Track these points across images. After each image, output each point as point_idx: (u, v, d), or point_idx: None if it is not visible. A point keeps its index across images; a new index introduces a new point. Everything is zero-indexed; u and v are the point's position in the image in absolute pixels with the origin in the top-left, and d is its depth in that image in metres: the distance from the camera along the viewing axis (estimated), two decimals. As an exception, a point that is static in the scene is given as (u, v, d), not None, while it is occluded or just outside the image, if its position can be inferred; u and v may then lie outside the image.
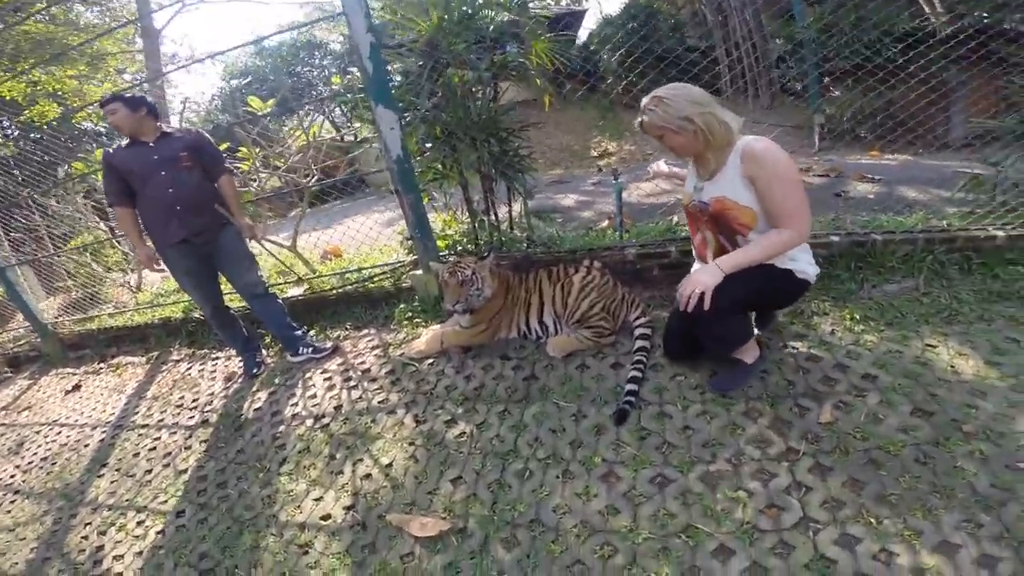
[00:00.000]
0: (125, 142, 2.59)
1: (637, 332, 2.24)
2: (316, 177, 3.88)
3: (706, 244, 1.86)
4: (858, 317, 2.17)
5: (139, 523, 2.22)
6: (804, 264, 1.79)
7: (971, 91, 4.63)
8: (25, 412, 3.74)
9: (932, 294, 2.27)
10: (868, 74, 4.55)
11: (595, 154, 6.60)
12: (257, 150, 3.85)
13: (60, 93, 6.74)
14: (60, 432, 3.25)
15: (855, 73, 5.07)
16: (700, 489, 1.58)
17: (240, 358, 3.09)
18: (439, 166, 3.04)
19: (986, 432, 1.55)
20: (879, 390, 1.78)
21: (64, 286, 5.58)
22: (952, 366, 1.83)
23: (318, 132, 4.11)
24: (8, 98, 6.64)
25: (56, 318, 4.74)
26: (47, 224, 5.38)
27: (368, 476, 2.01)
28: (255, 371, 2.99)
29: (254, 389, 2.87)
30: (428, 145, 3.09)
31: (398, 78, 3.16)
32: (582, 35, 9.38)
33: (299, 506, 1.99)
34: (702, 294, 1.62)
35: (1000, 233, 2.42)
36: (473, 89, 2.91)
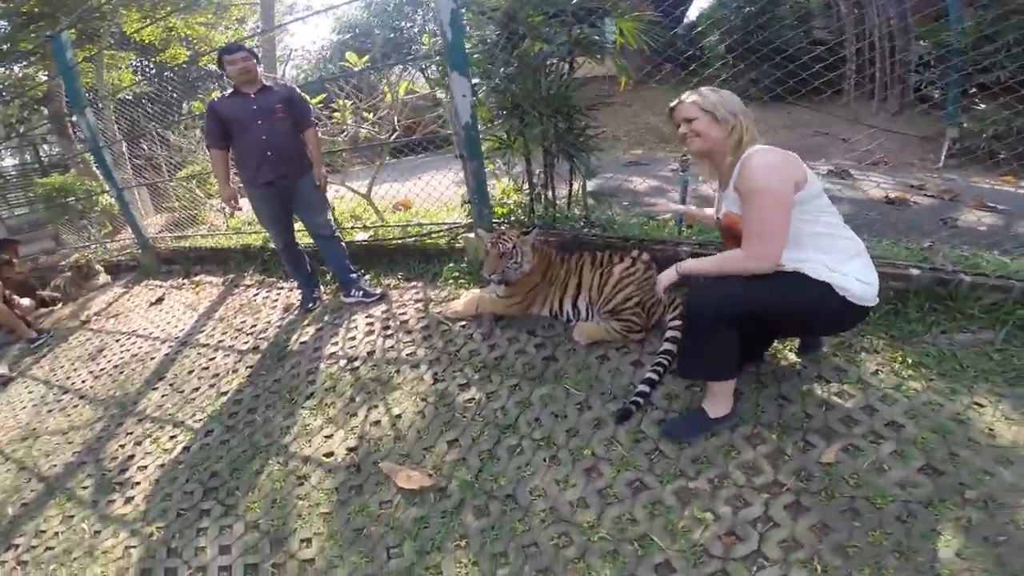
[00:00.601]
0: (228, 92, 2.97)
1: (668, 334, 2.24)
2: (396, 134, 4.10)
3: None
4: (911, 362, 2.04)
5: (171, 437, 2.60)
6: (852, 284, 1.60)
7: None
8: (112, 319, 4.40)
9: (1007, 351, 2.07)
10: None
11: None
12: (350, 103, 4.12)
13: (190, 38, 7.58)
14: (135, 342, 3.80)
15: (1008, 86, 4.45)
16: (671, 503, 1.64)
17: (300, 291, 3.44)
18: (504, 135, 3.12)
19: (987, 501, 1.47)
20: (898, 440, 1.71)
21: (171, 206, 6.38)
22: (991, 429, 1.71)
23: (408, 89, 4.30)
24: (147, 42, 7.60)
25: (160, 234, 5.45)
26: (166, 154, 6.13)
27: (377, 423, 2.25)
28: (310, 305, 3.34)
29: (305, 323, 3.21)
30: (500, 112, 3.16)
31: (474, 45, 3.22)
32: (691, 14, 8.83)
33: (310, 440, 2.27)
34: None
35: (1119, 295, 2.13)
36: (547, 63, 2.93)
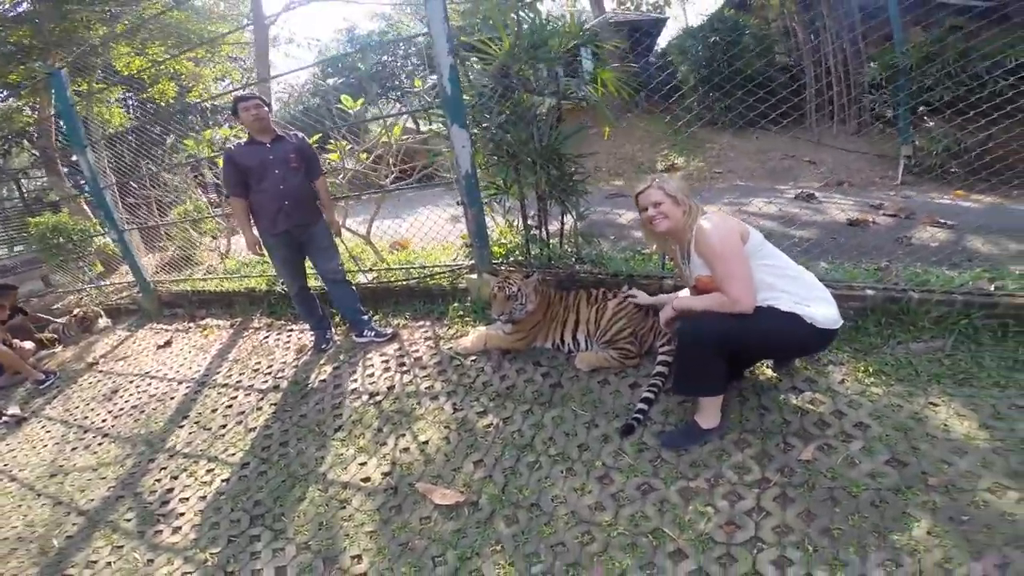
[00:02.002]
0: (244, 140, 3.20)
1: (659, 358, 2.57)
2: (393, 176, 4.44)
3: None
4: (872, 371, 2.38)
5: (208, 471, 2.81)
6: (816, 311, 1.93)
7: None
8: (121, 362, 4.57)
9: (956, 357, 2.42)
10: (970, 106, 4.48)
11: (661, 168, 6.79)
12: (344, 143, 4.44)
13: (179, 73, 7.86)
14: (151, 383, 3.99)
15: (954, 105, 4.97)
16: (676, 500, 1.93)
17: (312, 333, 3.69)
18: (500, 182, 3.46)
19: (948, 487, 1.78)
20: (865, 439, 2.03)
21: (162, 246, 6.56)
22: (945, 425, 2.04)
23: (400, 133, 4.65)
24: (136, 76, 7.84)
25: (156, 276, 5.61)
26: (158, 193, 6.34)
27: (406, 449, 2.50)
28: (324, 346, 3.58)
29: (321, 362, 3.46)
30: (494, 158, 3.50)
31: (470, 96, 3.56)
32: (661, 43, 9.45)
33: (345, 468, 2.51)
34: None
35: (1048, 302, 2.50)
36: (538, 114, 3.30)
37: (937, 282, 2.78)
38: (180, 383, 3.84)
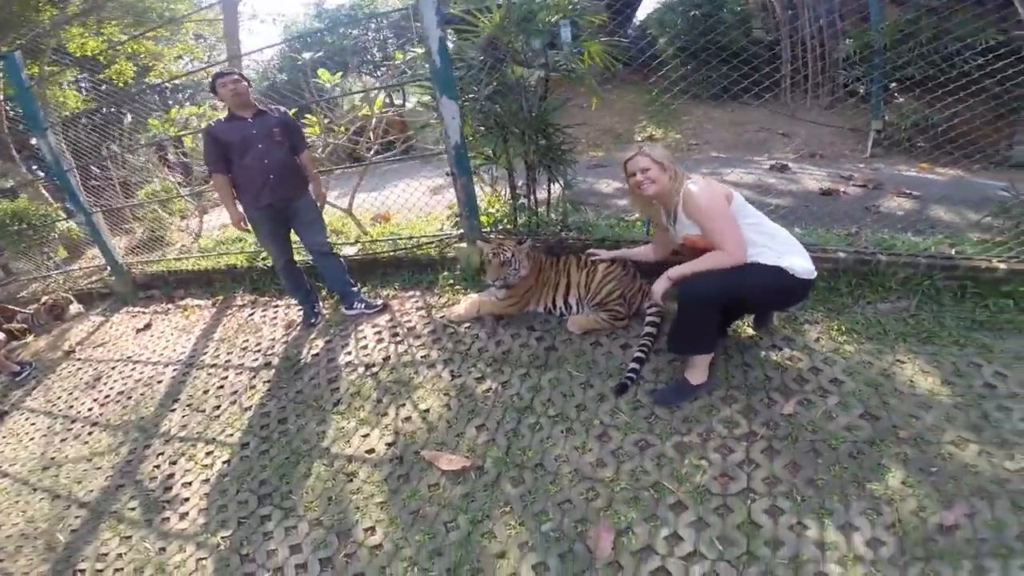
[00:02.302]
0: (225, 116, 3.16)
1: (647, 319, 2.69)
2: (375, 150, 4.41)
3: None
4: (844, 329, 2.57)
5: (208, 453, 2.82)
6: (795, 262, 2.09)
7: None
8: (100, 348, 4.47)
9: (920, 316, 2.62)
10: (939, 85, 4.67)
11: (639, 139, 6.88)
12: (321, 117, 4.38)
13: (137, 53, 7.50)
14: (135, 368, 3.93)
15: (924, 82, 5.17)
16: (672, 455, 2.07)
17: (300, 308, 3.70)
18: (489, 152, 3.49)
19: (917, 439, 1.97)
20: (840, 394, 2.21)
21: (129, 228, 6.37)
22: (912, 381, 2.23)
23: (381, 106, 4.60)
24: (91, 56, 7.45)
25: (128, 258, 5.46)
26: (124, 173, 6.13)
27: (408, 419, 2.58)
28: (313, 320, 3.60)
29: (312, 337, 3.48)
30: (481, 128, 3.52)
31: (458, 68, 3.55)
32: (640, 15, 9.44)
33: (348, 441, 2.57)
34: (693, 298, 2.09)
35: (1002, 265, 2.70)
36: (527, 85, 3.32)
37: (903, 247, 2.98)
38: (166, 366, 3.80)
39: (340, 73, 4.54)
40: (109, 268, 5.27)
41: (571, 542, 1.88)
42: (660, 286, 2.22)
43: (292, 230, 3.45)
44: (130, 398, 3.59)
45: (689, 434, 2.14)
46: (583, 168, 5.83)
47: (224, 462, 2.73)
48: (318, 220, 3.44)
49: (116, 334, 4.64)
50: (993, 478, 1.81)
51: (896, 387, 2.22)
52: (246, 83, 3.14)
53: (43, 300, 5.47)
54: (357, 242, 4.28)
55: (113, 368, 4.05)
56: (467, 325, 3.08)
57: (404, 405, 2.67)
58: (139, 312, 4.87)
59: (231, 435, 2.90)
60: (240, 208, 3.25)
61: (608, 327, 2.78)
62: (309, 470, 2.49)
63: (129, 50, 7.58)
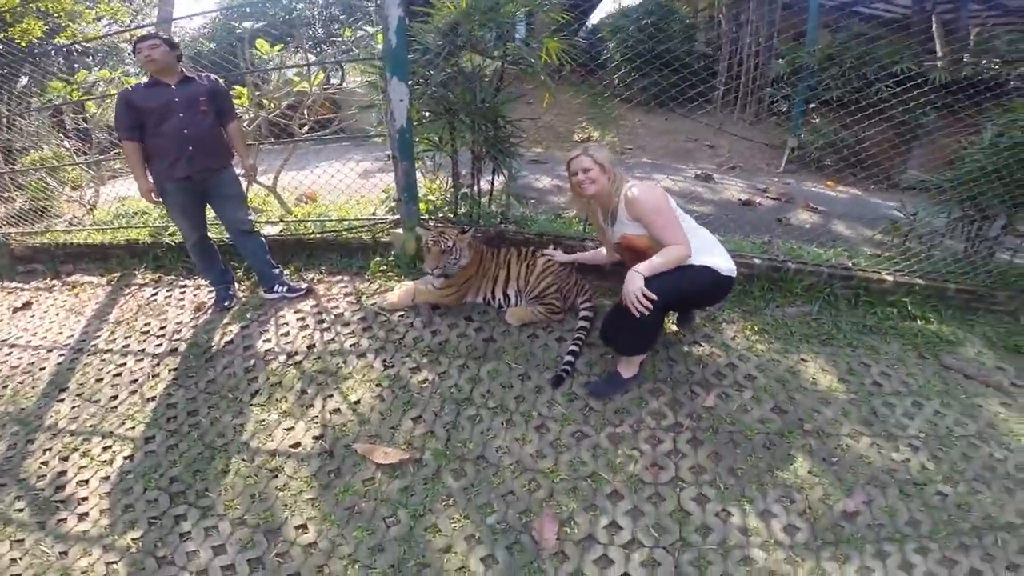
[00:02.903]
0: (145, 81, 2.94)
1: (581, 313, 2.79)
2: (308, 127, 4.21)
3: None
4: (757, 329, 2.82)
5: (105, 448, 2.56)
6: (719, 261, 2.24)
7: (936, 140, 5.28)
8: (-36, 330, 3.90)
9: (820, 320, 2.93)
10: (855, 108, 5.11)
11: (578, 139, 7.06)
12: (245, 89, 4.11)
13: (51, 13, 6.61)
14: (11, 353, 3.47)
15: (841, 104, 5.66)
16: (606, 445, 2.18)
17: (212, 289, 3.45)
18: (435, 138, 3.45)
19: (819, 432, 2.21)
20: (754, 388, 2.43)
21: (8, 196, 5.63)
22: (813, 378, 2.50)
23: (320, 82, 4.39)
24: None
25: (6, 228, 4.83)
26: (5, 138, 5.44)
27: (337, 411, 2.50)
28: (226, 303, 3.37)
29: (225, 321, 3.25)
30: (427, 114, 3.46)
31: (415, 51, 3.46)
32: (594, 19, 9.65)
33: (270, 435, 2.44)
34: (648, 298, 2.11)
35: (889, 277, 3.09)
36: (482, 74, 3.31)
37: (809, 257, 3.31)
38: (50, 351, 3.39)
39: (280, 46, 4.29)
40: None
41: (517, 533, 1.92)
42: (638, 283, 2.07)
43: (208, 205, 3.22)
44: (5, 387, 3.16)
45: (621, 425, 2.25)
46: (524, 163, 5.91)
47: (126, 457, 2.50)
48: (239, 196, 3.24)
49: (-14, 314, 4.07)
50: (883, 468, 2.07)
51: (801, 383, 2.47)
52: (168, 47, 2.90)
53: None
54: (280, 221, 4.06)
55: (-18, 352, 3.56)
56: (401, 314, 3.03)
57: (332, 396, 2.58)
58: (17, 289, 4.30)
59: (132, 428, 2.66)
60: (151, 179, 2.99)
61: (545, 320, 2.85)
62: (227, 466, 2.34)
63: (42, 7, 6.65)
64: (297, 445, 2.37)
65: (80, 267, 4.36)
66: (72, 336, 3.48)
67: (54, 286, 4.19)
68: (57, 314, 3.78)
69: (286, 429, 2.46)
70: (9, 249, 4.65)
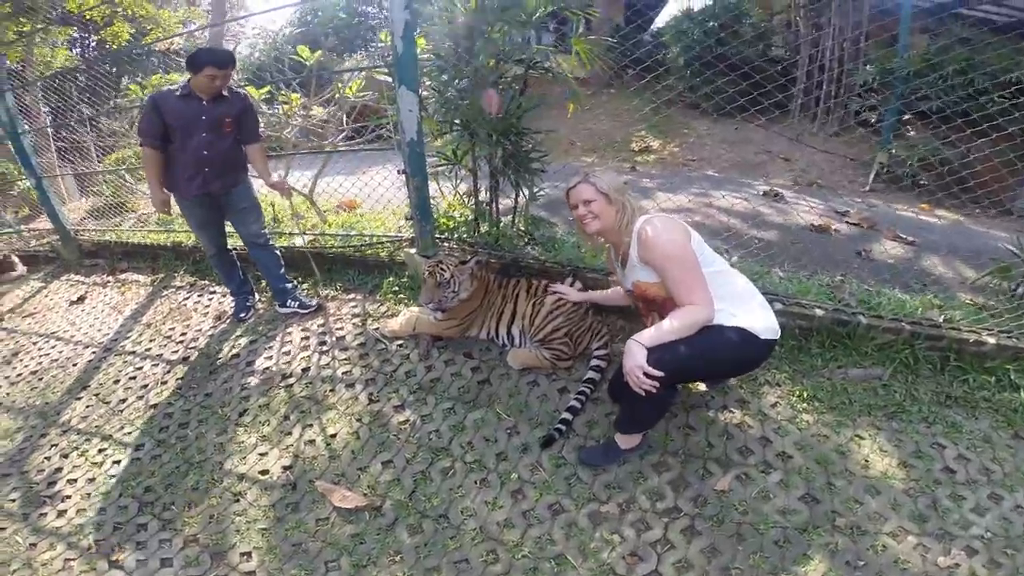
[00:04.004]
0: (179, 89, 2.89)
1: (591, 363, 2.51)
2: (344, 134, 4.20)
3: (652, 322, 2.01)
4: (807, 396, 2.37)
5: (100, 451, 2.67)
6: (756, 319, 1.81)
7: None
8: (29, 319, 4.28)
9: (892, 387, 2.43)
10: (961, 119, 4.42)
11: (635, 148, 6.67)
12: (297, 96, 4.17)
13: (137, 16, 7.30)
14: (55, 346, 3.74)
15: (941, 116, 4.93)
16: (584, 525, 1.90)
17: (232, 299, 3.49)
18: (452, 153, 3.28)
19: (853, 529, 1.80)
20: (785, 470, 2.03)
21: (98, 191, 6.16)
22: (865, 461, 2.05)
23: (356, 89, 4.38)
24: (88, 18, 7.26)
25: (82, 223, 5.27)
26: (96, 137, 5.94)
27: (312, 442, 2.41)
28: (243, 315, 3.41)
29: (237, 333, 3.29)
30: (446, 126, 3.30)
31: (429, 58, 3.34)
32: (659, 22, 9.20)
33: (244, 458, 2.41)
34: (652, 377, 1.67)
35: (991, 340, 2.48)
36: (500, 82, 3.10)
37: (888, 306, 2.73)
38: (87, 347, 3.62)
39: (320, 52, 4.33)
40: (58, 233, 5.09)
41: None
42: (638, 359, 1.68)
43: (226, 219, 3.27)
44: (41, 379, 3.41)
45: (608, 503, 1.96)
46: (570, 174, 5.61)
47: (115, 462, 2.58)
48: (253, 210, 3.24)
49: (50, 304, 4.45)
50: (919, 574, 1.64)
51: (848, 467, 2.04)
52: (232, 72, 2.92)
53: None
54: (307, 232, 4.06)
55: (34, 344, 3.87)
56: (400, 343, 2.89)
57: (311, 426, 2.49)
58: (78, 281, 4.68)
59: (129, 433, 2.74)
60: (164, 191, 3.04)
61: (549, 366, 2.58)
62: (197, 483, 2.35)
63: (129, 12, 7.35)
64: (265, 472, 2.32)
65: (133, 265, 4.66)
66: (108, 334, 3.69)
67: (108, 282, 4.50)
68: (102, 311, 4.04)
69: (260, 454, 2.42)
70: (78, 244, 5.05)
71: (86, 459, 2.63)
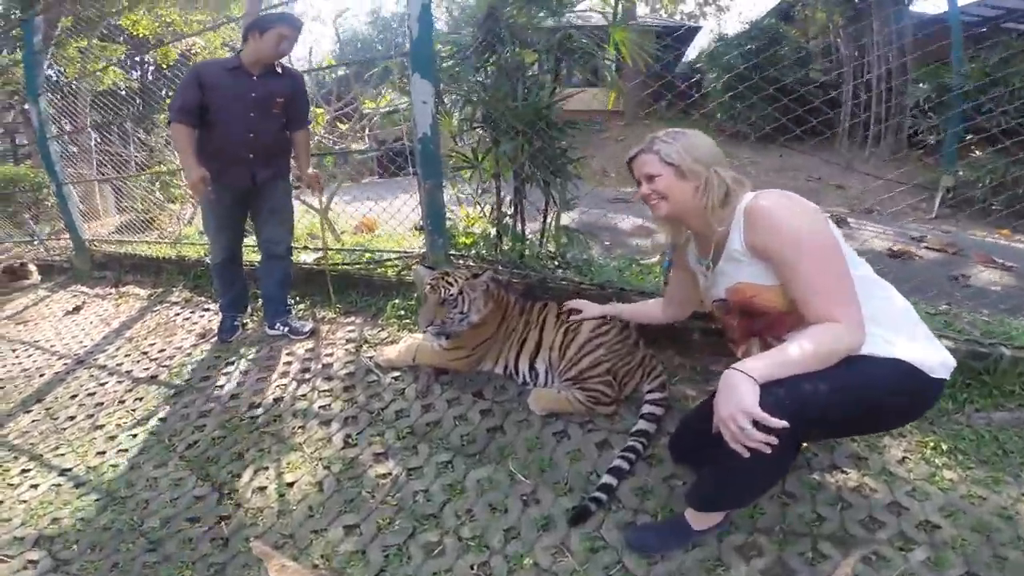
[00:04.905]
0: (228, 61, 2.47)
1: (644, 409, 1.78)
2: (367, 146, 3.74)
3: (749, 351, 1.31)
4: (944, 448, 1.62)
5: (23, 471, 2.11)
6: (920, 350, 1.12)
7: None
8: (20, 326, 3.84)
9: (1058, 435, 1.64)
10: None
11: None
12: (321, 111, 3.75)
13: (187, 36, 7.35)
14: (31, 355, 3.26)
15: (1010, 135, 4.17)
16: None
17: (221, 315, 2.89)
18: (470, 153, 2.70)
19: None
20: (933, 544, 1.29)
21: (131, 206, 5.89)
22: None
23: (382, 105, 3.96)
24: (141, 36, 7.35)
25: (105, 235, 4.99)
26: (136, 153, 5.77)
27: (262, 489, 1.75)
28: (228, 337, 2.80)
29: (216, 354, 2.70)
30: (466, 124, 2.75)
31: (449, 51, 2.84)
32: (691, 53, 8.79)
33: (176, 499, 1.78)
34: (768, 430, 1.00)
35: None
36: (527, 71, 2.55)
37: (1020, 336, 1.98)
38: (61, 358, 3.10)
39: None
40: (72, 243, 4.77)
41: None
42: (746, 400, 1.00)
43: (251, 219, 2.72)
44: (3, 387, 2.89)
45: (671, 613, 1.20)
46: (603, 201, 5.00)
47: (32, 486, 2.00)
48: (286, 212, 2.70)
49: (47, 312, 4.02)
50: None
51: (1020, 534, 1.30)
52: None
53: (2, 266, 4.93)
54: (316, 249, 3.49)
55: (13, 351, 3.38)
56: (396, 374, 2.22)
57: (267, 469, 1.82)
58: (82, 292, 4.26)
59: (62, 456, 2.16)
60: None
61: (584, 412, 1.85)
62: (112, 522, 1.73)
63: (179, 31, 7.38)
64: (195, 521, 1.67)
65: (137, 278, 4.20)
66: (87, 346, 3.18)
67: (110, 294, 4.06)
68: (91, 322, 3.58)
69: (196, 497, 1.77)
70: (91, 255, 4.68)
71: (3, 480, 2.06)
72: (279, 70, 2.50)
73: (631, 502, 1.50)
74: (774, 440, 0.97)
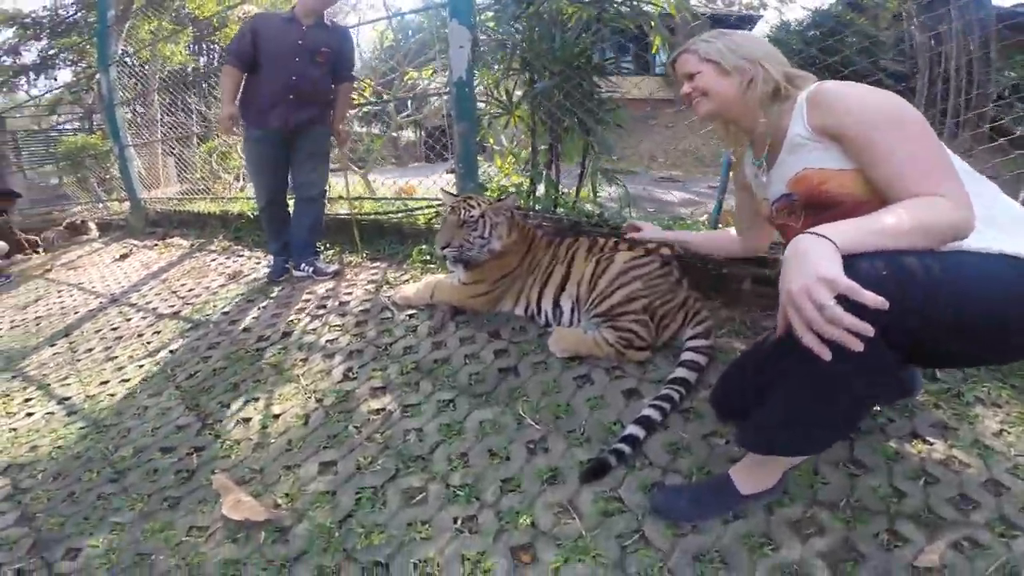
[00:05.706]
0: (286, 14, 2.52)
1: (684, 356, 1.47)
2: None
3: None
4: (1057, 427, 1.22)
5: (25, 400, 2.02)
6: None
7: None
8: (71, 272, 3.89)
9: None
10: None
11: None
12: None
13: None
14: (72, 295, 3.26)
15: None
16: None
17: (271, 258, 2.78)
18: (503, 96, 2.47)
19: None
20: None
21: (191, 177, 6.03)
22: None
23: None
24: (204, 18, 7.55)
25: (150, 195, 5.08)
26: (195, 124, 5.89)
27: (246, 421, 1.54)
28: (278, 277, 2.69)
29: (241, 292, 2.58)
30: (504, 72, 2.53)
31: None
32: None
33: (158, 427, 1.61)
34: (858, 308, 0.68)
35: None
36: (566, 16, 2.30)
37: None
38: (97, 297, 3.09)
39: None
40: (130, 201, 4.85)
41: None
42: (825, 267, 0.69)
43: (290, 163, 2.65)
44: (39, 324, 2.89)
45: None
46: (650, 181, 4.66)
47: (28, 414, 1.90)
48: (322, 157, 2.64)
49: (97, 260, 4.06)
50: None
51: None
52: None
53: (66, 222, 5.10)
54: (352, 198, 3.35)
55: (58, 292, 3.41)
56: (411, 312, 1.98)
57: (256, 400, 1.62)
58: (132, 244, 4.28)
59: (66, 386, 2.05)
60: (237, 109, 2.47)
61: (613, 355, 1.54)
62: (84, 452, 1.57)
63: (241, 14, 7.54)
64: (169, 450, 1.49)
65: (184, 232, 4.19)
66: (123, 287, 3.15)
67: (156, 245, 4.04)
68: (134, 268, 3.57)
69: (177, 427, 1.59)
70: (145, 213, 4.75)
71: (4, 408, 1.97)
72: (328, 24, 2.51)
73: (661, 459, 1.19)
74: (868, 329, 0.66)
